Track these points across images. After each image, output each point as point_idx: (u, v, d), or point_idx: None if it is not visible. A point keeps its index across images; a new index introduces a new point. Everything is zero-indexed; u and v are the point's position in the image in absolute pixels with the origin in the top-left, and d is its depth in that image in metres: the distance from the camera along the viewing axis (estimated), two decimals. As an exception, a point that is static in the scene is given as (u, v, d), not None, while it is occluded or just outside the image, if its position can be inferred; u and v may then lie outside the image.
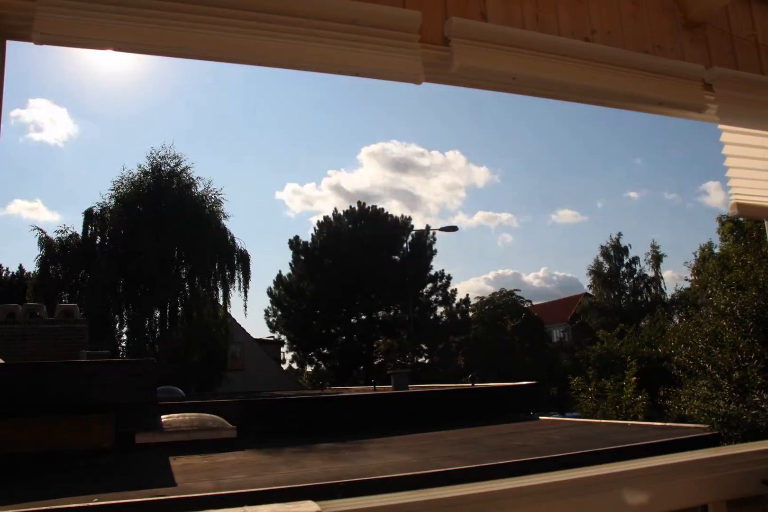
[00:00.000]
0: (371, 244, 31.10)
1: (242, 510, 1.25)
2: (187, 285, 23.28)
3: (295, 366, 38.16)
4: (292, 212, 56.36)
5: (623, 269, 32.30)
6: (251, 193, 52.23)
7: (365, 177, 54.37)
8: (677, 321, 23.09)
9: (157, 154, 23.55)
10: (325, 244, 33.73)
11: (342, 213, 35.50)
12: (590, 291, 33.92)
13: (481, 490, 1.56)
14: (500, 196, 57.91)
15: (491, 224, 59.42)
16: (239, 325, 29.03)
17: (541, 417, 15.82)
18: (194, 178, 23.88)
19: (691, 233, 54.05)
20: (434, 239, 35.46)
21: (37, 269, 22.25)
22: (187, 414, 11.65)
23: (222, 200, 24.04)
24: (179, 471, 9.08)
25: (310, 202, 54.60)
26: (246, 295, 24.11)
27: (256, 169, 52.50)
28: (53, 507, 5.96)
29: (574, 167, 57.12)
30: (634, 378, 19.00)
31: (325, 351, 35.23)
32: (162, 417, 11.31)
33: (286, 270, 35.92)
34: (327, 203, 56.19)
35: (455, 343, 28.92)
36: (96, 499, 4.94)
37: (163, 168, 23.44)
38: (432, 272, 35.44)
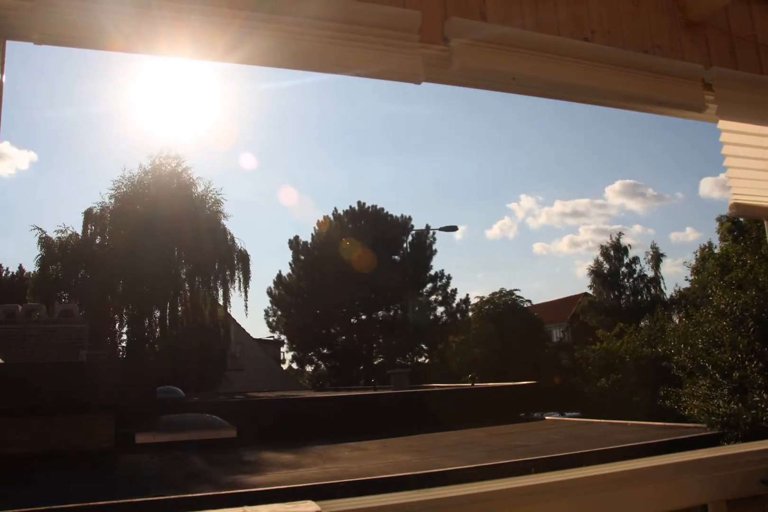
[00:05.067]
0: (371, 244, 31.09)
1: (242, 510, 1.25)
2: (187, 285, 23.27)
3: (295, 366, 38.19)
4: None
5: (623, 269, 32.25)
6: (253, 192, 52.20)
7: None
8: (677, 320, 23.09)
9: (158, 155, 23.55)
10: (325, 243, 33.71)
11: (342, 212, 35.50)
12: (590, 291, 33.87)
13: (481, 490, 1.56)
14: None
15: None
16: (239, 325, 29.06)
17: (547, 417, 15.86)
18: (194, 178, 23.88)
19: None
20: (434, 239, 35.48)
21: (37, 269, 22.23)
22: (187, 414, 11.67)
23: (222, 200, 24.05)
24: (179, 470, 9.08)
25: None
26: (246, 295, 24.12)
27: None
28: (53, 507, 5.97)
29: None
30: (635, 377, 19.01)
31: (325, 351, 35.21)
32: (162, 417, 11.33)
33: (286, 270, 35.95)
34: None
35: (455, 343, 28.88)
36: None
37: (163, 168, 23.43)
38: (432, 272, 35.45)
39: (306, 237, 36.03)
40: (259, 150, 52.73)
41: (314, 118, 53.22)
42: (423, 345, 34.23)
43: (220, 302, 23.57)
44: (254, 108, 45.99)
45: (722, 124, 2.38)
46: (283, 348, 37.45)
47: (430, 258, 35.54)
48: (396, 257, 34.66)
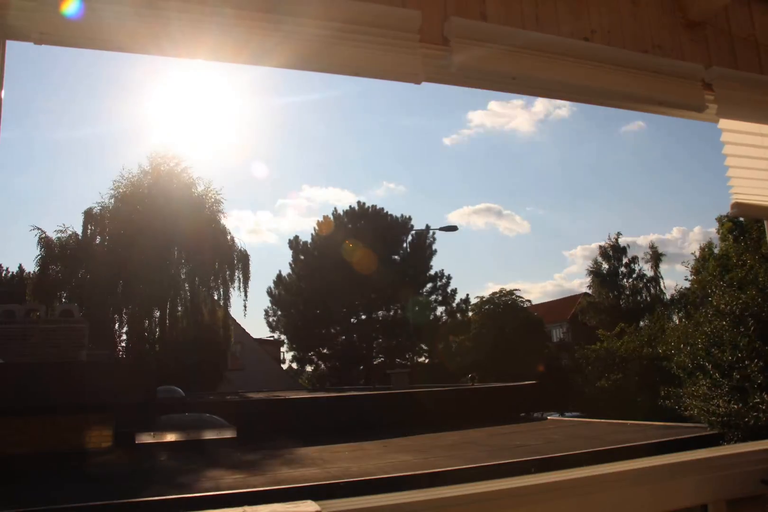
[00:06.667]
0: (371, 244, 31.09)
1: (242, 510, 1.25)
2: (187, 285, 23.25)
3: (295, 366, 38.20)
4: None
5: (622, 269, 32.25)
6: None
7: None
8: (677, 320, 23.08)
9: (158, 155, 23.55)
10: (325, 243, 33.71)
11: (342, 212, 35.51)
12: (589, 291, 33.88)
13: (481, 490, 1.56)
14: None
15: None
16: (239, 325, 29.04)
17: (549, 418, 15.86)
18: (194, 178, 23.87)
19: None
20: (434, 239, 35.48)
21: (37, 269, 22.22)
22: (187, 414, 11.67)
23: (222, 200, 24.04)
24: (179, 470, 9.08)
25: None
26: (246, 295, 24.11)
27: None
28: (53, 507, 5.97)
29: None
30: (635, 377, 18.99)
31: (325, 351, 35.22)
32: (162, 417, 11.33)
33: (286, 270, 35.96)
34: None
35: (455, 343, 28.89)
36: None
37: (162, 168, 23.42)
38: (432, 272, 35.45)
39: (306, 237, 36.09)
40: (260, 151, 52.74)
41: (317, 122, 53.15)
42: (423, 345, 34.22)
43: (220, 302, 23.56)
44: (256, 110, 45.98)
45: (723, 123, 2.38)
46: (283, 348, 37.49)
47: (430, 258, 35.55)
48: (396, 257, 34.67)
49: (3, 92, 1.53)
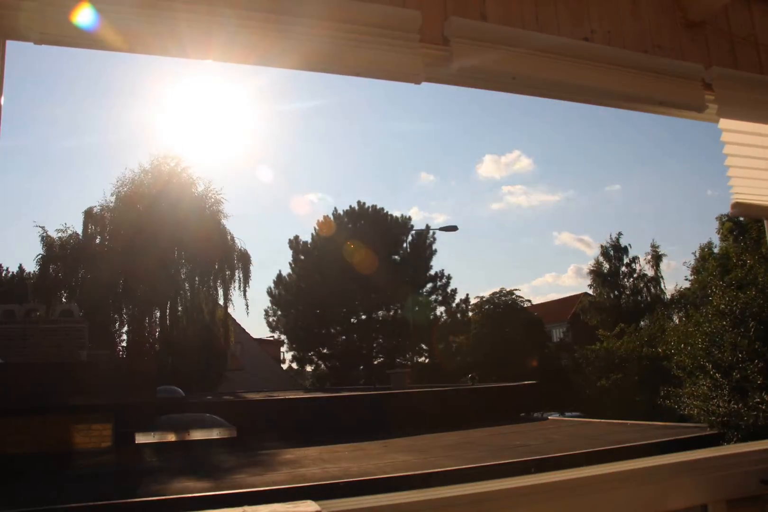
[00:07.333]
0: (371, 244, 31.08)
1: (242, 510, 1.25)
2: (187, 285, 23.24)
3: (295, 366, 38.17)
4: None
5: (623, 269, 32.22)
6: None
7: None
8: (677, 320, 23.10)
9: (158, 154, 23.54)
10: (325, 243, 33.70)
11: (342, 212, 35.49)
12: (590, 291, 33.86)
13: (481, 490, 1.56)
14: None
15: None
16: (239, 325, 29.03)
17: (549, 418, 15.86)
18: (194, 178, 23.85)
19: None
20: (434, 239, 35.47)
21: (37, 268, 22.22)
22: (187, 414, 11.66)
23: (222, 200, 24.03)
24: (179, 470, 9.08)
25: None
26: (246, 295, 24.11)
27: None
28: (53, 507, 5.97)
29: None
30: (635, 377, 19.02)
31: (325, 351, 35.20)
32: (161, 417, 11.32)
33: (286, 270, 35.95)
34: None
35: (455, 343, 28.89)
36: None
37: (163, 167, 23.41)
38: (432, 272, 35.45)
39: (306, 237, 36.08)
40: (261, 151, 52.69)
41: (318, 125, 53.15)
42: (423, 345, 34.21)
43: (220, 302, 23.56)
44: (259, 112, 45.93)
45: (723, 123, 2.38)
46: (283, 348, 37.47)
47: (430, 258, 35.55)
48: (396, 257, 34.65)
49: (2, 92, 1.53)
